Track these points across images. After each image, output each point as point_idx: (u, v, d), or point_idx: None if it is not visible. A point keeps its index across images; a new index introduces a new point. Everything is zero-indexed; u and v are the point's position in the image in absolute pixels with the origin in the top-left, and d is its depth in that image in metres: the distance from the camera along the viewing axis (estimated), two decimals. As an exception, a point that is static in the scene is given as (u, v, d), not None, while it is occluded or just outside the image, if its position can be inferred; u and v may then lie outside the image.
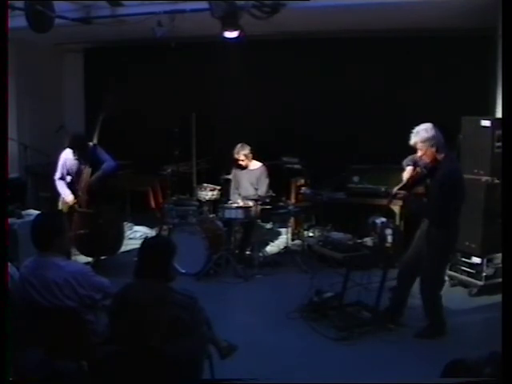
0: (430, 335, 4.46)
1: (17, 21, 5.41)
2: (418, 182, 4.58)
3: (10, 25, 3.47)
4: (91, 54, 9.06)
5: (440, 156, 4.30)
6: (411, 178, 4.53)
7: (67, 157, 5.91)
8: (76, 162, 5.90)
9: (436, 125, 4.37)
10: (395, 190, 4.58)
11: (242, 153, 6.62)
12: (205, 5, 5.50)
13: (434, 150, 4.26)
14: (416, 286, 4.55)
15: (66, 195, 5.89)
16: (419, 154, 4.36)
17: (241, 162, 6.68)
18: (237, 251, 6.50)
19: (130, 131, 8.33)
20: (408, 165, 4.58)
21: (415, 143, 4.33)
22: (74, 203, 5.87)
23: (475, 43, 6.79)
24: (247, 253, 6.50)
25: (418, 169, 4.49)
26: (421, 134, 4.29)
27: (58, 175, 5.95)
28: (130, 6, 6.30)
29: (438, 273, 4.53)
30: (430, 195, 4.44)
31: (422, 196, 4.71)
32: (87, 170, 5.89)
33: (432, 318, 4.52)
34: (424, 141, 4.26)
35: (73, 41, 8.45)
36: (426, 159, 4.36)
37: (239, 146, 6.65)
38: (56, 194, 6.12)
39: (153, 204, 7.99)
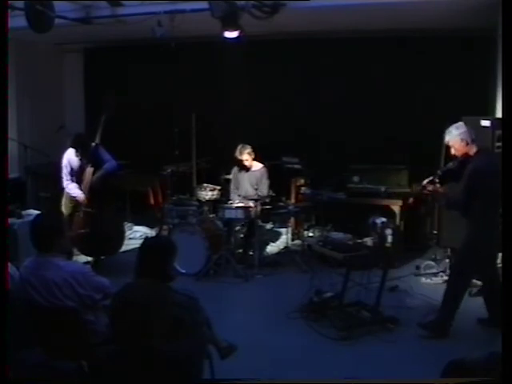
0: (433, 330, 4.44)
1: (17, 21, 5.41)
2: (449, 175, 4.60)
3: (10, 25, 3.47)
4: (91, 53, 9.06)
5: (472, 151, 4.37)
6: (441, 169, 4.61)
7: (70, 157, 5.91)
8: (78, 161, 5.90)
9: (447, 124, 4.45)
10: (425, 182, 4.64)
11: (245, 152, 6.53)
12: (205, 5, 5.50)
13: (463, 144, 4.37)
14: (417, 287, 4.53)
15: (78, 195, 5.86)
16: (452, 151, 4.49)
17: (245, 163, 6.61)
18: (240, 250, 6.53)
19: (130, 131, 8.34)
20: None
21: (448, 141, 4.49)
22: (83, 202, 5.85)
23: (475, 43, 6.79)
24: (250, 253, 6.49)
25: (451, 163, 4.58)
26: (452, 131, 4.44)
27: (67, 179, 5.91)
28: (130, 6, 6.30)
29: (464, 270, 4.49)
30: (459, 188, 4.43)
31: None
32: (89, 170, 5.88)
33: (444, 312, 4.47)
34: (454, 137, 4.40)
35: (73, 41, 8.46)
36: (458, 153, 4.45)
37: (240, 146, 6.57)
38: (56, 194, 6.12)
39: (153, 204, 7.99)
